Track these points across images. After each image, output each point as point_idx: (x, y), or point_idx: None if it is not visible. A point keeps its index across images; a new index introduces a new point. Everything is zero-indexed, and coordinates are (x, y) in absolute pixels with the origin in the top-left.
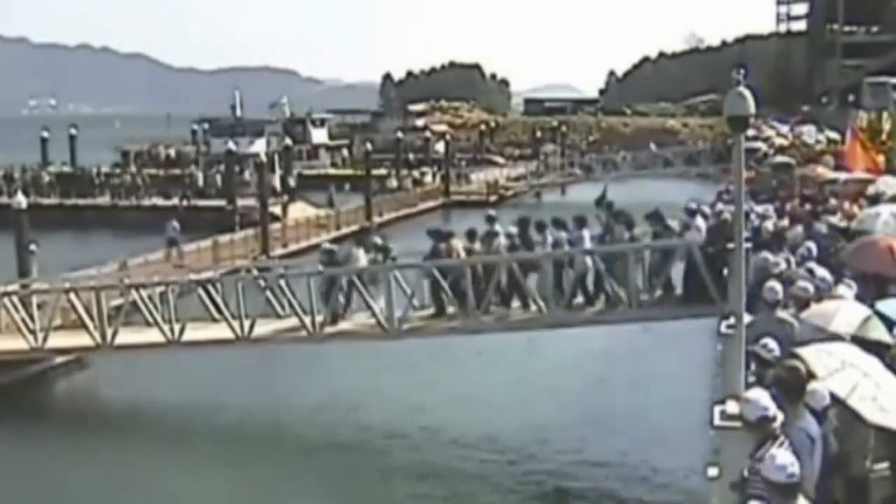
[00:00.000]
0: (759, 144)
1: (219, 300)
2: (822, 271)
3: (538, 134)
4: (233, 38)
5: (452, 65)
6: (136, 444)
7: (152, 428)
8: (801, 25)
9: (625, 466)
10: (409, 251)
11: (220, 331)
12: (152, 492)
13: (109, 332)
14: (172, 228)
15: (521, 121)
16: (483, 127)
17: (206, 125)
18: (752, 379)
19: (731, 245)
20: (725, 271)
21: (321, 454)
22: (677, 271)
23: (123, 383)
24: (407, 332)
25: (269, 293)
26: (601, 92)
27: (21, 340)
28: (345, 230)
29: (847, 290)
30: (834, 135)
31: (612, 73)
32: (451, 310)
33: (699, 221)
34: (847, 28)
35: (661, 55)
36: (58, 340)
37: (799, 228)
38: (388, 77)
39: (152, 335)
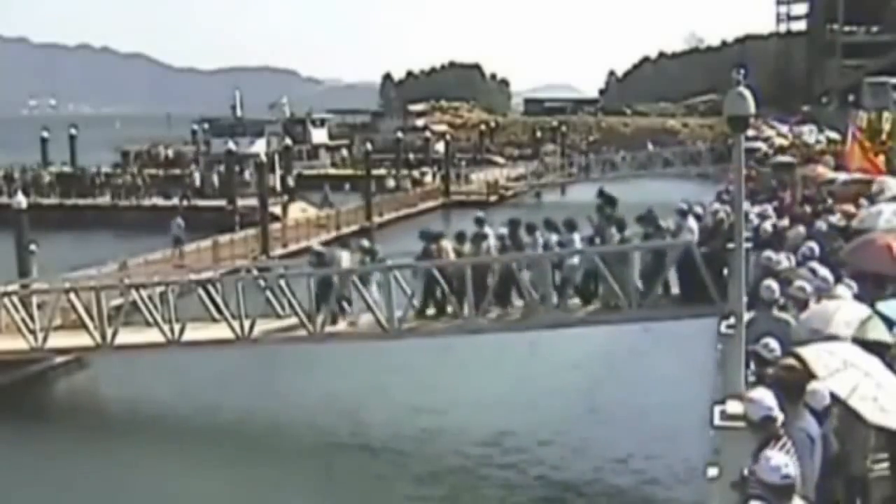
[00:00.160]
0: (759, 144)
1: (219, 300)
2: (824, 271)
3: (538, 134)
4: (233, 38)
5: (452, 65)
6: (136, 444)
7: (152, 428)
8: (801, 25)
9: (625, 466)
10: (409, 252)
11: (220, 331)
12: (152, 492)
13: (109, 332)
14: (177, 227)
15: (521, 121)
16: (483, 127)
17: (206, 125)
18: (751, 379)
19: (730, 245)
20: (725, 271)
21: (321, 454)
22: (675, 272)
23: (123, 383)
24: (407, 332)
25: (269, 293)
26: (601, 92)
27: (21, 340)
28: (345, 230)
29: (846, 289)
30: (834, 135)
31: (612, 73)
32: (448, 310)
33: (691, 222)
34: (847, 28)
35: (661, 55)
36: (58, 340)
37: (800, 228)
38: (388, 77)
39: (152, 335)
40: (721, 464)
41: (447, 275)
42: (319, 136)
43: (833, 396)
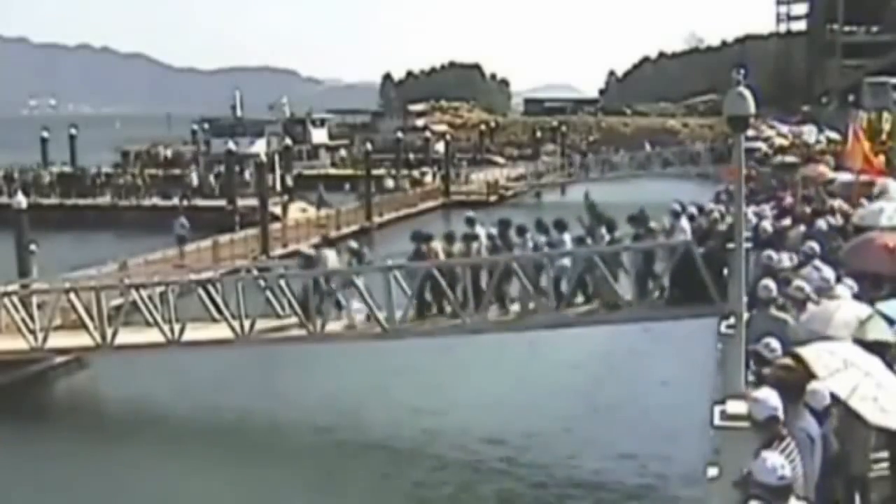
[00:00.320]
0: (759, 144)
1: (219, 300)
2: (827, 270)
3: (538, 134)
4: (233, 38)
5: (452, 65)
6: (136, 443)
7: (152, 428)
8: (801, 25)
9: (625, 466)
10: (407, 252)
11: (220, 331)
12: (152, 491)
13: (109, 332)
14: (181, 226)
15: (521, 121)
16: (483, 127)
17: (206, 125)
18: (751, 378)
19: (730, 245)
20: (725, 271)
21: (321, 454)
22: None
23: (123, 383)
24: (406, 332)
25: (269, 293)
26: (601, 92)
27: (21, 340)
28: (345, 230)
29: (846, 289)
30: (834, 135)
31: (612, 73)
32: (434, 310)
33: (683, 223)
34: (847, 28)
35: (661, 55)
36: (58, 340)
37: (801, 228)
38: (388, 77)
39: (152, 335)
40: (721, 464)
41: (437, 276)
42: (319, 136)
43: (833, 397)
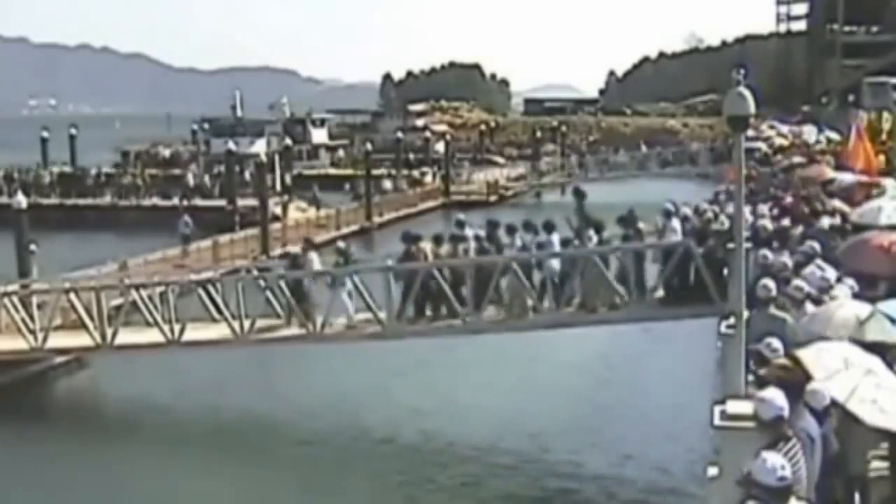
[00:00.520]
0: (759, 144)
1: (219, 300)
2: (828, 270)
3: (538, 134)
4: (233, 38)
5: (452, 65)
6: (136, 444)
7: (152, 428)
8: (801, 25)
9: (625, 466)
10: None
11: (220, 331)
12: (152, 491)
13: (109, 332)
14: (185, 224)
15: (521, 121)
16: (483, 127)
17: (206, 125)
18: (751, 378)
19: (730, 245)
20: (725, 271)
21: (320, 454)
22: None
23: (123, 383)
24: (406, 332)
25: (269, 293)
26: (601, 92)
27: (21, 340)
28: (345, 230)
29: (845, 289)
30: (834, 135)
31: (612, 73)
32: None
33: (675, 223)
34: (847, 28)
35: (661, 55)
36: (58, 340)
37: (801, 228)
38: (388, 77)
39: (152, 335)
40: (721, 464)
41: (437, 276)
42: (319, 136)
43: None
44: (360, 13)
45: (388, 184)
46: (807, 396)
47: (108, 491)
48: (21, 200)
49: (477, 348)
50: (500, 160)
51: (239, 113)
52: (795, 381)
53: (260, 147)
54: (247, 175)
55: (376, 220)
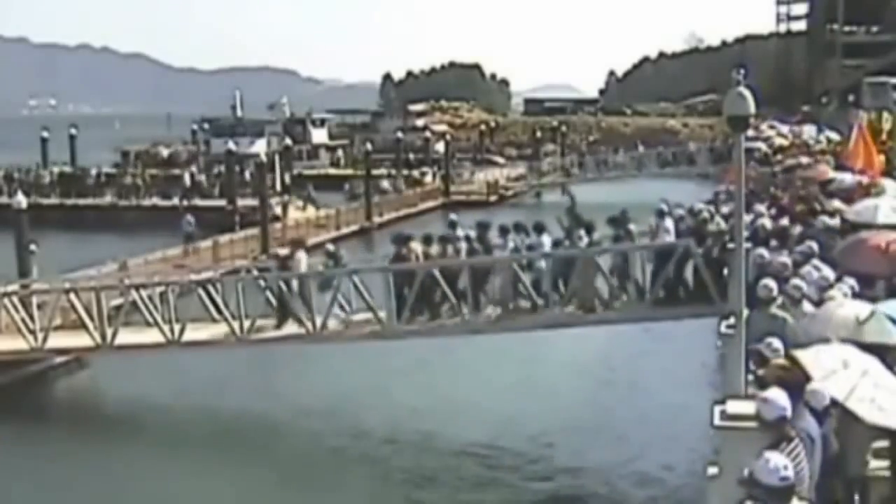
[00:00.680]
0: (759, 144)
1: (219, 300)
2: (826, 270)
3: (538, 134)
4: (233, 38)
5: (452, 65)
6: (136, 444)
7: (152, 428)
8: (801, 25)
9: (625, 466)
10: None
11: (220, 331)
12: (152, 491)
13: (109, 332)
14: (188, 223)
15: (521, 121)
16: (483, 127)
17: (206, 125)
18: (751, 378)
19: (730, 245)
20: (725, 271)
21: (320, 455)
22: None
23: (123, 383)
24: (405, 333)
25: (268, 293)
26: (601, 92)
27: (21, 340)
28: (345, 230)
29: (844, 289)
30: (834, 135)
31: (612, 73)
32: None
33: (668, 223)
34: (847, 28)
35: (661, 55)
36: (58, 340)
37: (799, 227)
38: (388, 77)
39: (152, 335)
40: (721, 464)
41: (416, 278)
42: (319, 136)
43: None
44: (360, 13)
45: (385, 184)
46: (807, 396)
47: (109, 491)
48: (21, 200)
49: (477, 348)
50: (500, 160)
51: (239, 113)
52: (795, 381)
53: (260, 147)
54: (247, 175)
55: (376, 220)
